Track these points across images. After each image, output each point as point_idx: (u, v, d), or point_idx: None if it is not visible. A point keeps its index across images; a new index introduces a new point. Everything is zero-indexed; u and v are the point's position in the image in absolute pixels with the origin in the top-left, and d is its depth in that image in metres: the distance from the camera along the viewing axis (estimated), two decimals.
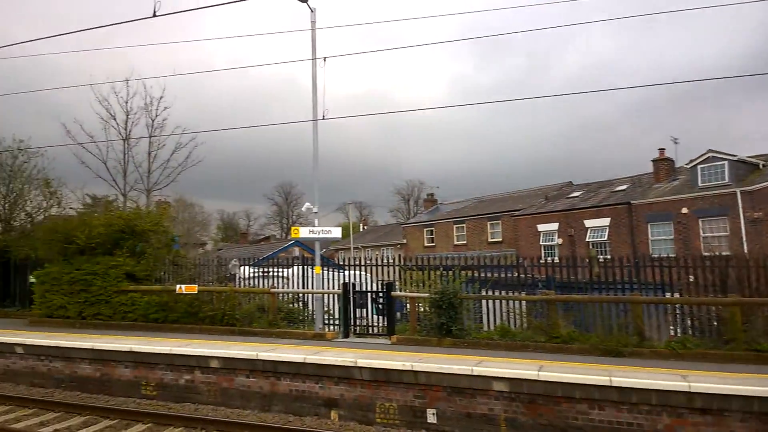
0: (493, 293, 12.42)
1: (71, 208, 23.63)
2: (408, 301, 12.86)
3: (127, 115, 22.22)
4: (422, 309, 12.24)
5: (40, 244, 16.86)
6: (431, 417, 8.70)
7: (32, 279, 16.40)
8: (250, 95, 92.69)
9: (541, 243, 31.58)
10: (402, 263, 14.49)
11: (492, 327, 12.06)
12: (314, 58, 13.64)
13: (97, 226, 15.05)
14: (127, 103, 22.16)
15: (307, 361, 9.46)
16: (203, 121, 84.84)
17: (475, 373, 8.41)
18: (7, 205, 22.14)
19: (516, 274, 13.60)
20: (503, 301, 12.36)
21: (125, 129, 22.18)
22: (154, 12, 10.36)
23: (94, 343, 11.12)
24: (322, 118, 12.94)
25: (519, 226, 33.40)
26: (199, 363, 10.19)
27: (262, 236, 68.73)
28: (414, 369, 8.78)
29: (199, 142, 22.47)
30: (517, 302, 12.22)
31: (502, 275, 13.49)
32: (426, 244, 41.88)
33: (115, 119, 22.08)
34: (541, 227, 31.78)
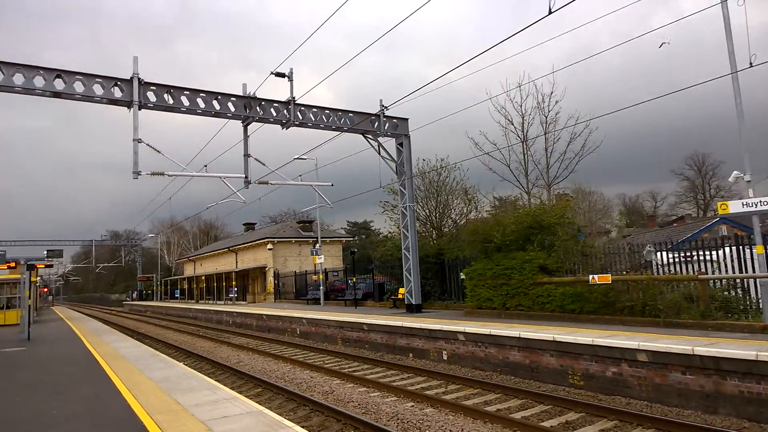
0: None
1: (485, 211, 26.75)
2: None
3: (523, 118, 23.75)
4: None
5: (465, 245, 19.52)
6: None
7: (462, 275, 18.98)
8: (641, 67, 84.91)
9: None
10: None
11: None
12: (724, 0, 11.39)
13: (508, 224, 16.37)
14: (521, 106, 23.74)
15: (760, 358, 7.80)
16: (596, 106, 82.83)
17: None
18: (437, 215, 26.67)
19: None
20: None
21: (522, 131, 23.74)
22: (550, 9, 9.94)
23: (519, 331, 11.94)
24: (749, 65, 10.38)
25: None
26: (625, 355, 9.66)
27: (674, 217, 61.99)
28: None
29: (593, 128, 22.19)
30: None
31: None
32: None
33: (512, 123, 23.94)
34: None
